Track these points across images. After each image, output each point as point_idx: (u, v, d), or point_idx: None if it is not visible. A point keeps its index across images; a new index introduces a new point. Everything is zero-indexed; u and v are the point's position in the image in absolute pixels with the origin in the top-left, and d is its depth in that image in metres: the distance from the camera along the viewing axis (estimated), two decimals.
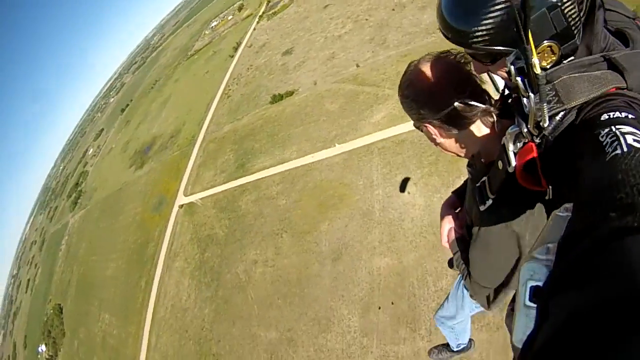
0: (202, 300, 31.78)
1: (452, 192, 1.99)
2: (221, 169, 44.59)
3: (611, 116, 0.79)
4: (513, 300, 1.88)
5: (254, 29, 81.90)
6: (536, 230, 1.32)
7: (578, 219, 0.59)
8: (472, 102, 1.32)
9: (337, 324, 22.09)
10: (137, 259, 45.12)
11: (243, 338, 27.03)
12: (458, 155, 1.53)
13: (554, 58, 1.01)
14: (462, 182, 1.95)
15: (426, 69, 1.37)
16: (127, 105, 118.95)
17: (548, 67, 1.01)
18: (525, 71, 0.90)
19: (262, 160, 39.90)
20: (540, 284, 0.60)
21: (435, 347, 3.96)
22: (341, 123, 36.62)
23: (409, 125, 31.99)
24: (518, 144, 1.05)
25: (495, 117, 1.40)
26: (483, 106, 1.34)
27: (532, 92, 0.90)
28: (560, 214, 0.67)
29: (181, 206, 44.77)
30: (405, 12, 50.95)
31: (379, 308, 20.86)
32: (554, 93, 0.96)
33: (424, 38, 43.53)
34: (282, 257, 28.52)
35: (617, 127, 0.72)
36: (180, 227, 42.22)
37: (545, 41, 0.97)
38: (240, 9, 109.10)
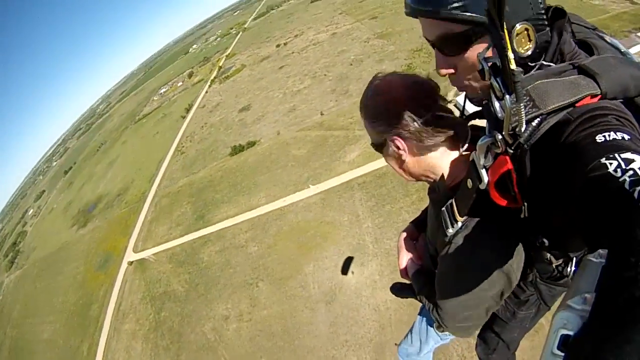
0: None
1: (410, 222, 1.90)
2: (177, 222, 40.30)
3: (607, 138, 0.77)
4: (483, 329, 1.95)
5: (206, 92, 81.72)
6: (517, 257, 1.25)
7: (614, 270, 0.57)
8: (446, 115, 1.21)
9: None
10: (78, 322, 37.71)
11: None
12: (422, 178, 1.36)
13: (530, 46, 0.98)
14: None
15: (395, 79, 1.27)
16: (71, 167, 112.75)
17: (525, 54, 0.99)
18: (500, 67, 0.83)
19: (225, 209, 36.57)
20: (571, 333, 0.58)
21: None
22: (312, 166, 35.03)
23: None
24: (490, 157, 0.99)
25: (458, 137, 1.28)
26: (457, 120, 1.26)
27: (507, 93, 0.84)
28: (594, 259, 0.65)
29: (130, 263, 39.20)
30: (364, 66, 53.00)
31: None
32: (528, 98, 0.92)
33: None
34: (260, 309, 24.63)
35: (623, 155, 0.69)
36: (130, 285, 36.43)
37: (518, 24, 0.95)
38: (190, 75, 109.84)
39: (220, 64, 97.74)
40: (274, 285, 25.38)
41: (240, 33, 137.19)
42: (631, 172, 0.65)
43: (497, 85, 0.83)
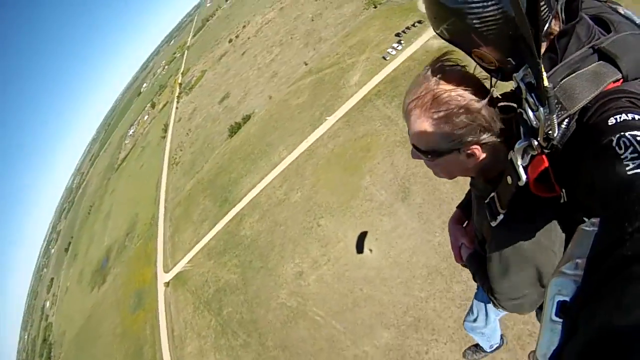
0: None
1: (457, 207, 1.91)
2: (201, 220, 37.72)
3: (618, 120, 0.80)
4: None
5: (177, 108, 78.61)
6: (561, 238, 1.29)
7: (604, 234, 0.59)
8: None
9: None
10: None
11: None
12: (467, 173, 1.32)
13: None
14: None
15: (451, 73, 1.13)
16: (69, 243, 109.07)
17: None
18: (534, 84, 0.91)
19: (248, 180, 34.08)
20: (567, 299, 0.60)
21: (469, 348, 3.72)
22: (319, 103, 32.81)
23: (393, 64, 28.69)
24: (526, 157, 1.03)
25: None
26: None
27: (541, 105, 0.91)
28: (587, 228, 0.68)
29: (167, 284, 36.56)
30: (326, 15, 50.98)
31: None
32: (556, 101, 0.96)
33: (356, 19, 42.99)
34: (334, 244, 22.23)
35: (629, 133, 0.73)
36: (175, 305, 33.65)
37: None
38: (153, 106, 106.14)
39: (180, 81, 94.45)
40: (337, 215, 23.00)
41: (186, 52, 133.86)
42: (631, 148, 0.69)
43: (532, 100, 0.91)
